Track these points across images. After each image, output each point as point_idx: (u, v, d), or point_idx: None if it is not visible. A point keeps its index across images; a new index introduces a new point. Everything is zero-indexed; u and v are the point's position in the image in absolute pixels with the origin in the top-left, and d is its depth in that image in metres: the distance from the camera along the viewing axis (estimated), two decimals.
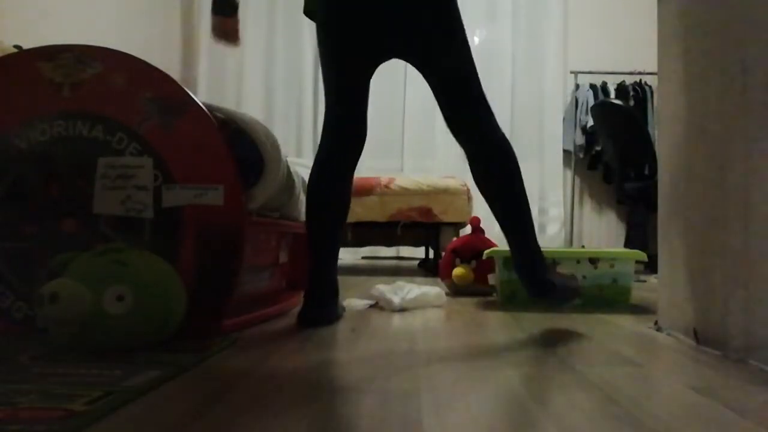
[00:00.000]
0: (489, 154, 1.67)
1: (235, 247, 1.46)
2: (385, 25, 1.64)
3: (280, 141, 1.66)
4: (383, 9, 1.61)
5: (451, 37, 1.63)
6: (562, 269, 2.14)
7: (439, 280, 2.73)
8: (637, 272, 2.19)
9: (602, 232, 5.28)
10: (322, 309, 1.64)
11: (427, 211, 3.72)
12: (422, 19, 1.61)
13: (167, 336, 1.28)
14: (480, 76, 1.70)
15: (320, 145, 1.69)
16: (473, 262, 2.52)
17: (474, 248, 2.52)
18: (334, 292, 1.69)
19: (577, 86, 5.14)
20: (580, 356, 1.26)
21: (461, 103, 1.65)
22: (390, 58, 1.75)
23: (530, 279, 1.68)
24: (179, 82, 1.49)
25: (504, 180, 1.68)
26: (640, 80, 5.04)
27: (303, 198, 1.96)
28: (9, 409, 0.83)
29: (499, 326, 1.68)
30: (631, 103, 4.94)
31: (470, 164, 1.70)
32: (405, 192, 3.71)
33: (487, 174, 1.69)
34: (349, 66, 1.70)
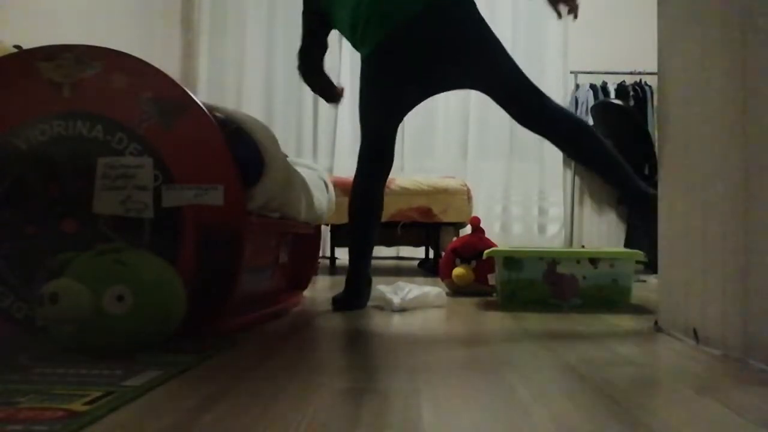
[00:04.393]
0: (564, 135, 1.90)
1: (235, 247, 1.46)
2: (439, 55, 1.90)
3: (280, 141, 1.66)
4: (435, 40, 1.87)
5: (497, 49, 1.92)
6: (562, 269, 2.14)
7: (439, 280, 2.73)
8: (637, 272, 2.19)
9: (602, 232, 5.28)
10: (359, 298, 1.98)
11: (427, 211, 3.72)
12: (472, 42, 1.89)
13: (167, 336, 1.28)
14: None
15: (359, 170, 2.00)
16: (473, 262, 2.52)
17: (474, 248, 2.52)
18: (368, 283, 2.03)
19: (577, 86, 5.14)
20: (580, 356, 1.26)
21: (523, 102, 1.91)
22: (442, 89, 2.05)
23: (627, 187, 1.87)
24: (179, 82, 1.49)
25: (588, 150, 1.89)
26: (640, 80, 5.04)
27: (303, 198, 1.96)
28: (9, 409, 0.83)
29: (499, 326, 1.68)
30: (631, 103, 4.94)
31: (557, 146, 1.96)
32: (405, 192, 3.71)
33: (572, 151, 1.97)
34: (401, 102, 1.99)
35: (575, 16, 1.89)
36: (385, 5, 1.88)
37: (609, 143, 1.91)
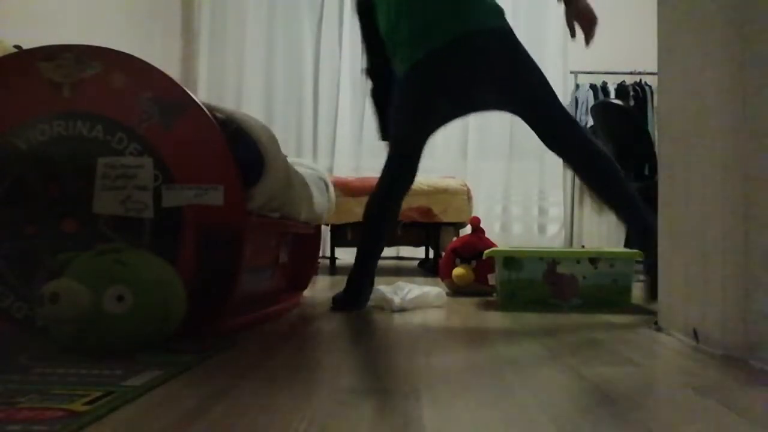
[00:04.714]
0: (586, 163, 1.95)
1: (235, 247, 1.46)
2: (472, 82, 1.98)
3: (280, 141, 1.66)
4: (468, 67, 1.96)
5: (530, 75, 1.98)
6: (562, 269, 2.14)
7: (439, 280, 2.73)
8: (637, 272, 2.20)
9: (602, 232, 5.28)
10: (359, 298, 2.01)
11: (427, 211, 3.72)
12: (504, 68, 1.97)
13: (167, 336, 1.28)
14: None
15: (382, 178, 2.05)
16: (473, 262, 2.51)
17: (474, 248, 2.52)
18: (370, 283, 2.07)
19: (577, 86, 5.14)
20: (580, 356, 1.26)
21: (554, 127, 1.98)
22: (474, 111, 2.14)
23: (634, 224, 1.91)
24: (179, 82, 1.49)
25: (605, 180, 1.94)
26: (640, 80, 5.04)
27: (303, 198, 1.96)
28: (9, 409, 0.83)
29: (499, 326, 1.68)
30: (631, 103, 4.94)
31: (575, 173, 2.02)
32: None
33: (589, 179, 1.97)
34: (430, 120, 2.07)
35: (587, 43, 1.94)
36: (421, 30, 1.96)
37: (628, 190, 1.94)
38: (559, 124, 1.98)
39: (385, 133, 2.25)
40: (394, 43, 2.04)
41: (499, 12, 2.01)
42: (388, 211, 2.09)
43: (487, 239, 2.61)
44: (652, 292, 1.84)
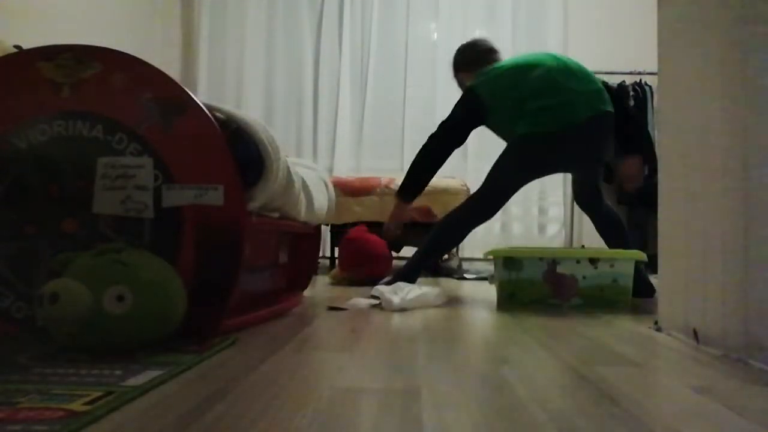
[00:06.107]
0: (605, 220, 2.66)
1: (235, 247, 1.46)
2: (585, 156, 2.44)
3: (280, 141, 1.66)
4: (597, 139, 2.40)
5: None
6: (562, 269, 2.14)
7: (438, 280, 2.72)
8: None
9: None
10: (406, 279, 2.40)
11: (427, 211, 3.72)
12: (604, 149, 2.45)
13: (167, 336, 1.28)
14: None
15: (470, 210, 2.40)
16: None
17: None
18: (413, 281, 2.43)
19: None
20: (580, 356, 1.26)
21: (596, 192, 2.62)
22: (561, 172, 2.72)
23: (639, 279, 2.27)
24: (179, 82, 1.49)
25: (618, 233, 2.66)
26: (640, 80, 5.04)
27: (303, 198, 1.96)
28: (9, 409, 0.83)
29: (499, 326, 1.68)
30: (631, 103, 4.94)
31: (595, 225, 2.72)
32: None
33: (606, 232, 2.69)
34: (533, 177, 2.46)
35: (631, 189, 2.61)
36: (561, 107, 2.30)
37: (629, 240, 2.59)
38: (593, 193, 2.60)
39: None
40: (526, 104, 2.34)
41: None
42: (459, 240, 2.47)
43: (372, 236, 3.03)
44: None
